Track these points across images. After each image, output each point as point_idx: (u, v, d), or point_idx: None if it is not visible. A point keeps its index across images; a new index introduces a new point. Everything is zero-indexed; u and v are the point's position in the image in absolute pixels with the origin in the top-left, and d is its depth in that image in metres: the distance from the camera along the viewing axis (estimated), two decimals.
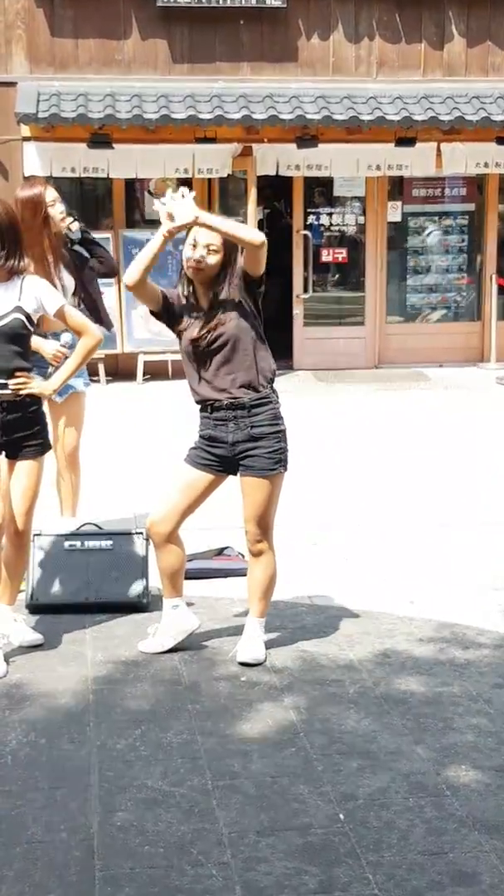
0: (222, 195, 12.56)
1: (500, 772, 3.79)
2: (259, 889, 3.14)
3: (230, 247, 4.51)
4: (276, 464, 4.60)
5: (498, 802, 3.59)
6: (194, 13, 11.79)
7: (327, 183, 12.65)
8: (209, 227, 4.43)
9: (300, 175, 12.03)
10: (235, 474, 4.65)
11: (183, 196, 4.45)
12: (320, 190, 12.80)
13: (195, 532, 6.27)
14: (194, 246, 4.51)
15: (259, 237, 4.45)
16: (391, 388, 11.45)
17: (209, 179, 12.17)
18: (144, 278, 4.59)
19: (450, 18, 12.30)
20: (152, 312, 4.74)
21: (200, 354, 4.59)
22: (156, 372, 11.97)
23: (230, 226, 4.51)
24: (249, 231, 4.56)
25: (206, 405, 4.64)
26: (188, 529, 6.44)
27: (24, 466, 4.74)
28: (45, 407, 4.99)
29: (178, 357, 11.85)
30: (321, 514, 6.91)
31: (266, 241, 4.46)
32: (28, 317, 4.67)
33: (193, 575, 5.71)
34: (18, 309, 4.65)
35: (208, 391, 4.60)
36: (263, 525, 4.64)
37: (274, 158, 11.71)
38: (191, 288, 4.62)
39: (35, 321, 4.74)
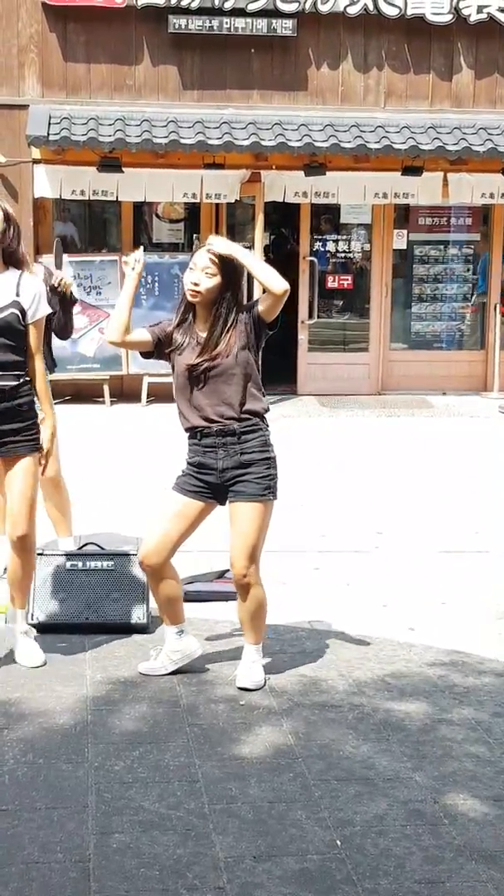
0: (230, 220, 12.62)
1: (499, 801, 3.77)
2: None
3: (229, 271, 4.47)
4: (265, 490, 4.54)
5: (496, 832, 3.58)
6: (205, 40, 11.88)
7: (334, 210, 12.72)
8: (230, 258, 4.44)
9: (307, 202, 12.09)
10: (224, 503, 4.62)
11: (137, 260, 4.60)
12: (327, 217, 12.87)
13: (196, 554, 6.28)
14: (192, 269, 4.52)
15: (282, 286, 4.41)
16: (395, 415, 11.47)
17: (217, 205, 12.23)
18: (126, 331, 4.64)
19: (458, 50, 12.39)
20: (142, 353, 4.77)
21: (194, 380, 4.56)
22: (160, 394, 11.98)
23: (255, 264, 4.53)
24: (274, 276, 4.44)
25: (195, 432, 4.61)
26: (189, 551, 6.45)
27: (18, 466, 4.70)
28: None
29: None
30: (322, 538, 6.91)
31: (289, 290, 4.46)
32: (24, 312, 4.68)
33: (194, 598, 5.71)
34: (15, 304, 4.66)
35: (197, 418, 4.57)
36: (251, 556, 4.54)
37: (282, 185, 11.78)
38: (191, 311, 4.60)
39: (29, 318, 4.74)
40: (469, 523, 7.41)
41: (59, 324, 6.14)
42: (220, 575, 5.93)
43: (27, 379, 4.75)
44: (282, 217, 13.32)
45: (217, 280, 4.47)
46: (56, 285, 6.00)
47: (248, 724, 4.32)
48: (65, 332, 6.25)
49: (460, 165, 11.93)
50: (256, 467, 4.55)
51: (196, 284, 4.48)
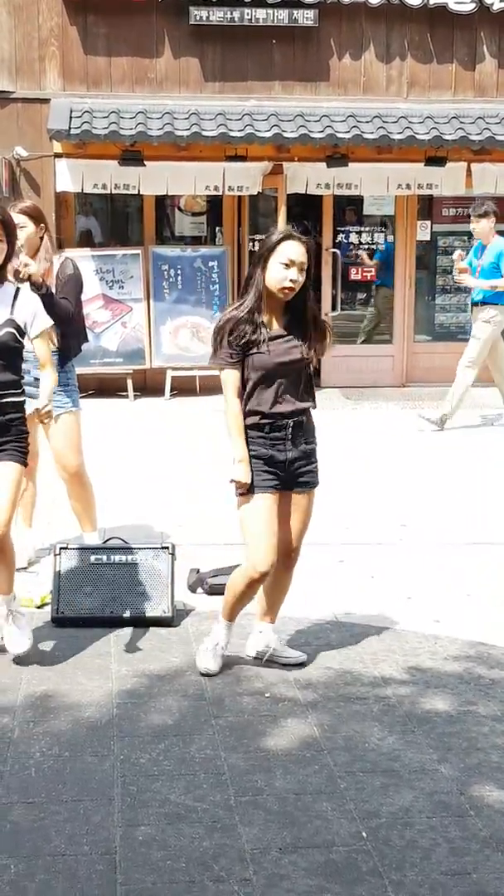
0: (252, 213, 12.60)
1: None
2: None
3: (311, 264, 4.48)
4: (317, 478, 4.70)
5: None
6: (226, 32, 11.85)
7: (357, 201, 12.67)
8: None
9: (330, 193, 12.05)
10: (290, 490, 4.62)
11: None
12: (350, 208, 12.83)
13: (220, 548, 6.29)
14: (288, 265, 4.40)
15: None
16: (419, 407, 11.42)
17: (239, 197, 12.21)
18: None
19: (481, 39, 12.31)
20: None
21: (281, 374, 4.50)
22: (183, 387, 12.00)
23: None
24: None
25: (265, 425, 4.52)
26: (215, 545, 6.47)
27: (2, 470, 4.64)
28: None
29: (207, 373, 11.86)
30: (348, 531, 6.90)
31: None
32: (19, 330, 4.65)
33: (219, 590, 5.71)
34: (10, 322, 4.63)
35: (276, 411, 4.52)
36: (302, 541, 4.75)
37: (304, 177, 11.74)
38: (258, 306, 4.47)
39: (31, 334, 4.72)
40: (494, 515, 7.38)
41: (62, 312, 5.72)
42: None
43: (23, 398, 4.74)
44: (304, 209, 13.28)
45: (304, 275, 4.45)
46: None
47: (273, 717, 4.32)
48: (62, 322, 5.65)
49: (483, 155, 11.86)
50: (314, 455, 4.67)
51: (294, 282, 4.41)
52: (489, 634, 5.24)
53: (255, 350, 4.46)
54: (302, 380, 4.58)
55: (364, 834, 3.50)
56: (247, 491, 4.50)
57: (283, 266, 4.39)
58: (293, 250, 4.40)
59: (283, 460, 4.55)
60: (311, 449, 4.64)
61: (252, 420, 4.52)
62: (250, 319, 4.46)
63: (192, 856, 3.38)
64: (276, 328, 4.52)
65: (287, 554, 4.68)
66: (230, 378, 4.50)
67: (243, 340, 4.45)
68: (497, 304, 10.05)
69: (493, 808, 3.66)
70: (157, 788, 3.78)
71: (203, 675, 4.67)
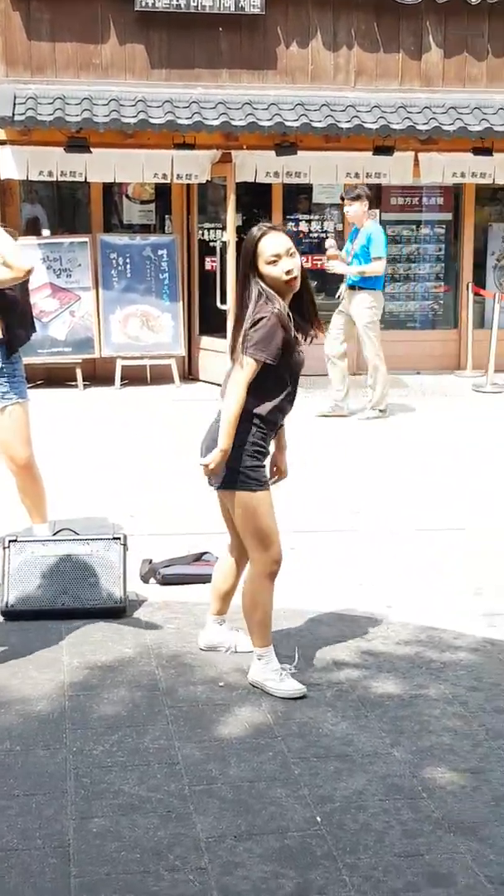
0: (201, 201, 12.56)
1: (476, 774, 3.79)
2: (236, 893, 3.13)
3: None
4: None
5: (473, 804, 3.60)
6: (172, 19, 11.79)
7: (306, 190, 12.68)
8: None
9: (279, 182, 12.05)
10: None
11: None
12: (300, 197, 12.83)
13: (172, 538, 6.28)
14: (275, 261, 4.23)
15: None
16: (369, 395, 11.45)
17: (188, 185, 12.17)
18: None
19: (427, 29, 12.36)
20: None
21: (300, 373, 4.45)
22: (134, 377, 11.96)
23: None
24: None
25: (277, 422, 4.45)
26: (168, 535, 6.45)
27: None
28: None
29: (157, 362, 11.77)
30: (298, 518, 6.91)
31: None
32: None
33: (172, 580, 5.71)
34: None
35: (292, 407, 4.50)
36: None
37: (253, 165, 11.73)
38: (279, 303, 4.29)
39: None
40: (445, 501, 7.43)
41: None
42: (198, 557, 5.92)
43: None
44: (254, 197, 13.27)
45: (296, 258, 4.29)
46: None
47: (227, 705, 4.32)
48: (6, 311, 5.61)
49: (431, 145, 11.92)
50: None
51: (291, 271, 4.25)
52: (440, 619, 5.27)
53: (293, 350, 4.30)
54: None
55: (318, 819, 3.51)
56: (259, 487, 4.36)
57: (273, 264, 4.24)
58: (272, 244, 4.25)
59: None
60: (285, 443, 4.72)
61: (270, 416, 4.35)
62: (287, 319, 4.28)
63: (147, 846, 3.37)
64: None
65: (244, 553, 4.59)
66: (254, 371, 4.27)
67: (287, 340, 4.27)
68: (372, 290, 10.08)
69: (445, 790, 3.69)
70: (110, 780, 3.76)
71: (299, 699, 4.39)
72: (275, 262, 4.24)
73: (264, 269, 4.26)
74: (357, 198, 10.12)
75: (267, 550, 4.42)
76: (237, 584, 4.75)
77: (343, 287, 10.37)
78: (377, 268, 10.02)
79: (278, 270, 4.25)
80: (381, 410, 10.34)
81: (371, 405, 10.37)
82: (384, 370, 10.32)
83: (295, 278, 4.27)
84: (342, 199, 10.62)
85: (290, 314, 4.29)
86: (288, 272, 4.24)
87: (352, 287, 10.21)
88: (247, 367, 4.25)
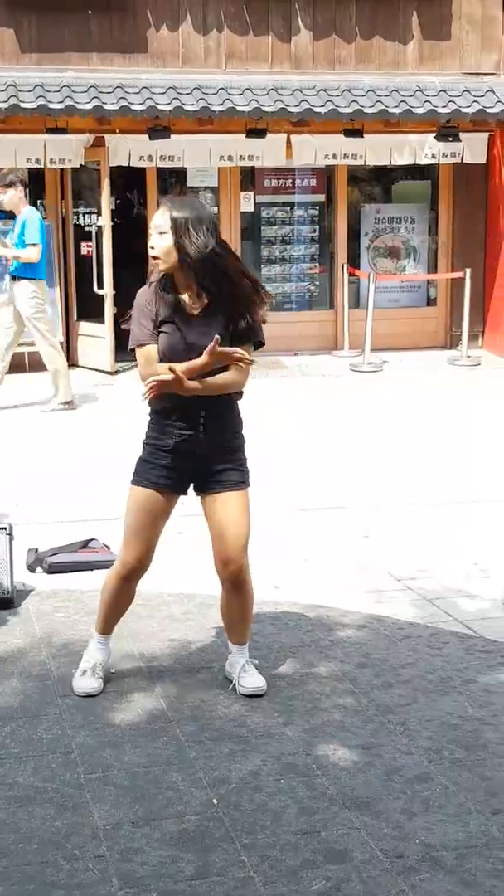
0: (75, 186, 12.43)
1: (368, 749, 3.88)
2: (136, 879, 3.16)
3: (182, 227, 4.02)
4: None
5: (366, 779, 3.69)
6: (42, 2, 11.61)
7: (181, 173, 12.65)
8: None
9: (153, 166, 12.00)
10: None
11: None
12: (173, 181, 12.80)
13: (58, 526, 6.25)
14: (151, 234, 4.09)
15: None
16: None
17: (61, 170, 12.04)
18: None
19: (296, 11, 12.41)
20: None
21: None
22: (13, 365, 11.77)
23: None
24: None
25: (172, 417, 4.25)
26: (49, 523, 6.41)
27: None
28: None
29: (35, 349, 11.59)
30: (181, 504, 6.92)
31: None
32: None
33: (59, 569, 5.69)
34: None
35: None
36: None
37: (126, 149, 11.65)
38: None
39: None
40: (327, 480, 7.53)
41: None
42: (85, 545, 5.91)
43: None
44: (128, 181, 13.20)
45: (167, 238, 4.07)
46: None
47: (119, 693, 4.34)
48: None
49: (302, 127, 12.00)
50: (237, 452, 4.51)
51: (152, 248, 4.10)
52: (326, 597, 5.36)
53: (163, 330, 4.09)
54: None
55: (215, 801, 3.55)
56: (137, 482, 4.22)
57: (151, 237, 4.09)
58: (155, 217, 4.10)
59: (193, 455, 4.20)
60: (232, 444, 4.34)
61: (158, 406, 4.14)
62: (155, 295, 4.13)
63: (45, 837, 3.37)
64: (189, 305, 4.12)
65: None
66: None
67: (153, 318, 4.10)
68: (33, 279, 9.77)
69: (338, 766, 3.77)
70: (4, 772, 3.75)
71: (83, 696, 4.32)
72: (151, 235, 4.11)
73: None
74: (10, 184, 9.79)
75: (123, 548, 4.32)
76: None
77: (7, 278, 10.12)
78: (31, 253, 9.62)
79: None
80: (65, 402, 9.87)
81: (58, 400, 9.90)
82: (62, 361, 9.96)
83: (154, 258, 4.08)
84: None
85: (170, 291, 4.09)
86: (151, 247, 4.10)
87: (13, 277, 9.84)
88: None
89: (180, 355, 4.04)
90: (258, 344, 4.25)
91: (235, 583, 4.31)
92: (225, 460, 4.27)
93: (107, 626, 4.44)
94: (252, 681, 4.33)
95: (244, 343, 4.14)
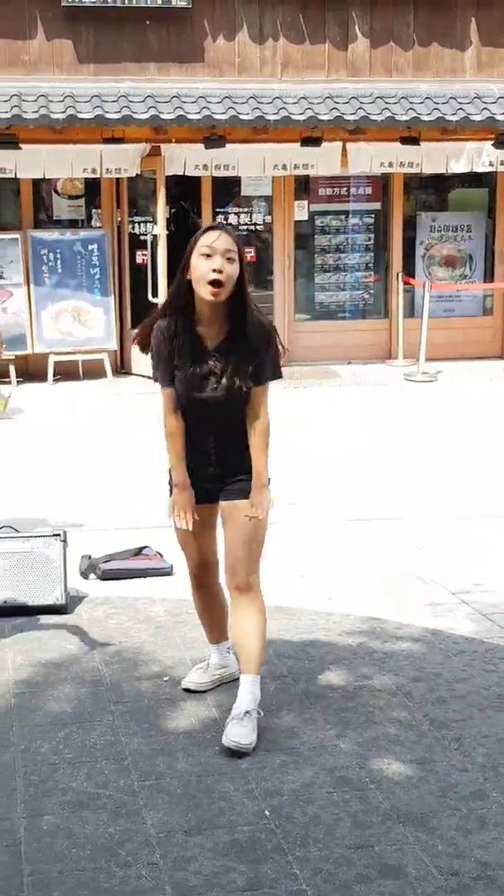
0: (131, 195, 12.51)
1: (422, 764, 3.85)
2: (188, 888, 3.15)
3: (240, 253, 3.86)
4: None
5: (420, 795, 3.65)
6: (99, 13, 11.73)
7: (235, 182, 12.69)
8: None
9: (208, 174, 12.05)
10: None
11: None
12: (229, 189, 12.84)
13: (111, 533, 6.28)
14: (209, 255, 3.78)
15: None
16: (301, 386, 11.53)
17: (117, 179, 12.13)
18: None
19: (353, 19, 12.42)
20: None
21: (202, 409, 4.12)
22: (67, 372, 11.89)
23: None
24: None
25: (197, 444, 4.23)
26: (103, 531, 6.44)
27: None
28: None
29: (89, 357, 11.71)
30: None
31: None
32: None
33: (112, 576, 5.71)
34: None
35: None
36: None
37: (182, 158, 11.71)
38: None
39: None
40: (381, 491, 7.50)
41: None
42: (137, 552, 5.93)
43: None
44: (183, 190, 13.25)
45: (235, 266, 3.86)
46: None
47: (172, 700, 4.34)
48: None
49: (358, 135, 11.99)
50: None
51: (220, 272, 3.82)
52: (380, 609, 5.33)
53: (179, 368, 3.95)
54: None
55: (267, 812, 3.54)
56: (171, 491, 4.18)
57: (205, 257, 3.78)
58: (212, 237, 3.80)
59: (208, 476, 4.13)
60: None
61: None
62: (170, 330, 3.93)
63: (98, 843, 3.38)
64: (209, 340, 3.95)
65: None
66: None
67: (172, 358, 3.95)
68: None
69: (392, 781, 3.74)
70: (58, 777, 3.76)
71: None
72: (208, 256, 3.79)
73: (194, 264, 3.83)
74: None
75: (186, 559, 4.37)
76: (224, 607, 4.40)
77: None
78: None
79: (205, 267, 3.79)
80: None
81: None
82: None
83: (218, 283, 3.79)
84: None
85: (184, 328, 3.90)
86: (215, 270, 3.77)
87: None
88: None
89: (194, 392, 3.98)
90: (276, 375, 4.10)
91: (243, 592, 4.09)
92: (241, 475, 4.11)
93: (210, 636, 4.48)
94: (239, 732, 3.90)
95: (263, 382, 4.03)
